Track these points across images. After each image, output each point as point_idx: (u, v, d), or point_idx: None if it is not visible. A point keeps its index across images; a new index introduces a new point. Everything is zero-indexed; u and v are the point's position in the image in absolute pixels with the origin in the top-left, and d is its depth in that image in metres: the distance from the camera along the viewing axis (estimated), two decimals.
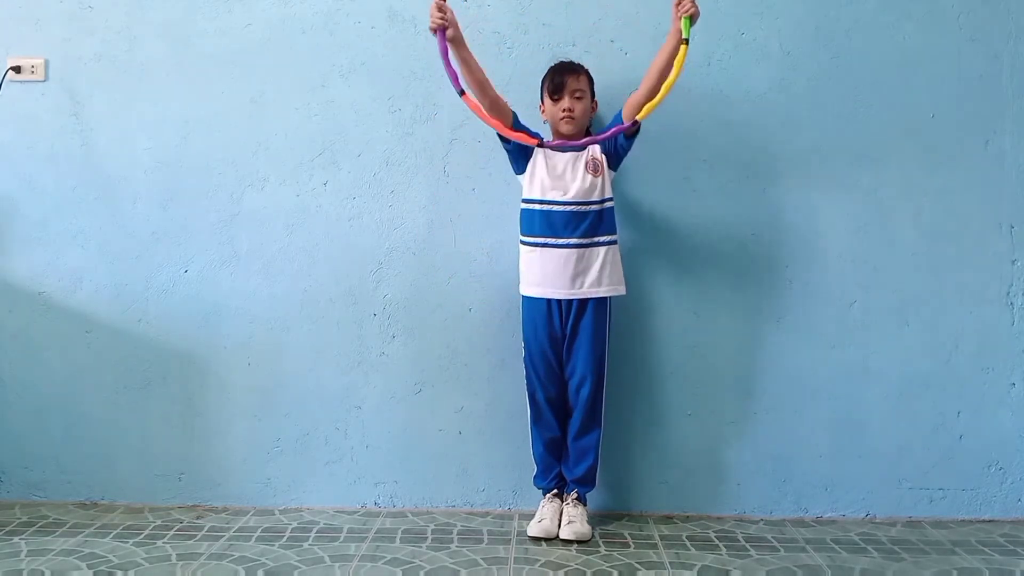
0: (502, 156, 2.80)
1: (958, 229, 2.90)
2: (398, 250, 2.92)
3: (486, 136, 2.87)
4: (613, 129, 2.64)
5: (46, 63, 2.94)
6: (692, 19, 2.52)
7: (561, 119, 2.70)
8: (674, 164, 2.89)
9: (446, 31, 2.55)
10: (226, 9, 2.93)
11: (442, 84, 2.88)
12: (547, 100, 2.73)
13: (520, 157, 2.73)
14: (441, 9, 2.55)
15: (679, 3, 2.54)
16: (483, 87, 2.65)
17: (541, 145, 2.67)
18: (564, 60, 2.77)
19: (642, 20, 2.88)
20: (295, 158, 2.93)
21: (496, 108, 2.66)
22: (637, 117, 2.58)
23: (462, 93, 2.57)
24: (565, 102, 2.69)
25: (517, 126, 2.72)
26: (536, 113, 2.80)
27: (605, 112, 2.82)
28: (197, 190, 2.93)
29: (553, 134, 2.77)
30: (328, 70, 2.92)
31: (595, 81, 2.76)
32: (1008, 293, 2.90)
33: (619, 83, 2.85)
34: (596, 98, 2.77)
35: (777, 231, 2.90)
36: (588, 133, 2.79)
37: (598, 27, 2.89)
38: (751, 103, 2.89)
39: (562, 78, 2.70)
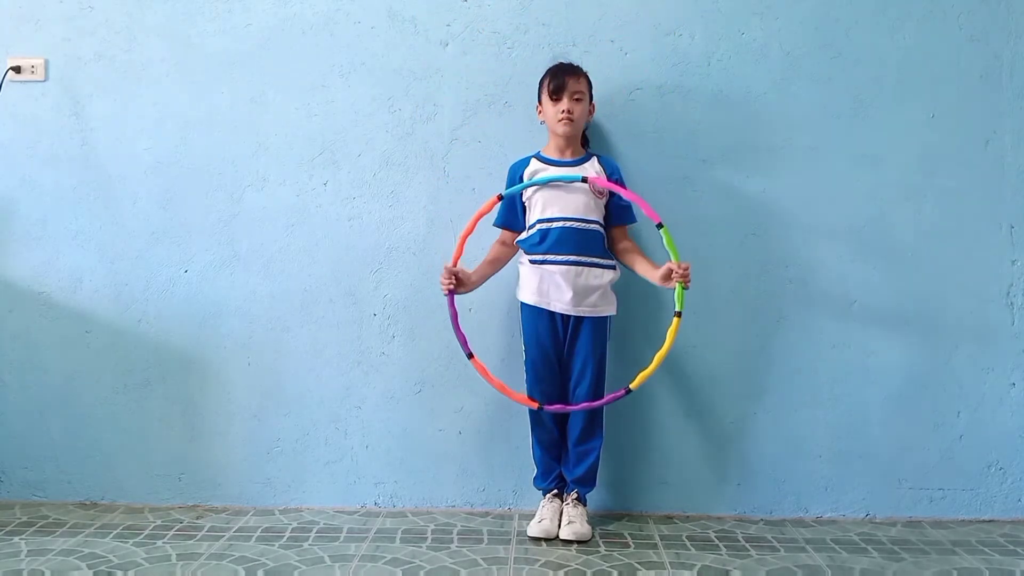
0: (502, 156, 2.83)
1: (958, 229, 2.90)
2: (398, 250, 2.92)
3: (486, 136, 2.88)
4: (613, 189, 2.69)
5: (46, 63, 2.94)
6: (684, 287, 2.58)
7: (559, 120, 2.69)
8: (674, 164, 2.89)
9: (455, 293, 2.64)
10: (226, 9, 2.93)
11: (442, 84, 2.90)
12: (546, 101, 2.71)
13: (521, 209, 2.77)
14: (450, 275, 2.62)
15: (672, 274, 2.58)
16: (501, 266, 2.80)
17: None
18: (563, 61, 2.76)
19: (642, 20, 2.88)
20: (295, 158, 2.93)
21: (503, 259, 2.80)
22: (631, 386, 2.62)
23: (470, 356, 2.63)
24: (564, 103, 2.68)
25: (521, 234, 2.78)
26: (533, 112, 2.80)
27: (602, 114, 2.83)
28: (197, 190, 2.93)
29: (550, 136, 2.76)
30: (328, 70, 2.92)
31: (595, 81, 2.75)
32: (1008, 293, 2.90)
33: (619, 83, 2.86)
34: (594, 101, 2.76)
35: (777, 231, 2.90)
36: (584, 138, 2.80)
37: (598, 27, 2.89)
38: (751, 103, 2.89)
39: (563, 79, 2.68)
